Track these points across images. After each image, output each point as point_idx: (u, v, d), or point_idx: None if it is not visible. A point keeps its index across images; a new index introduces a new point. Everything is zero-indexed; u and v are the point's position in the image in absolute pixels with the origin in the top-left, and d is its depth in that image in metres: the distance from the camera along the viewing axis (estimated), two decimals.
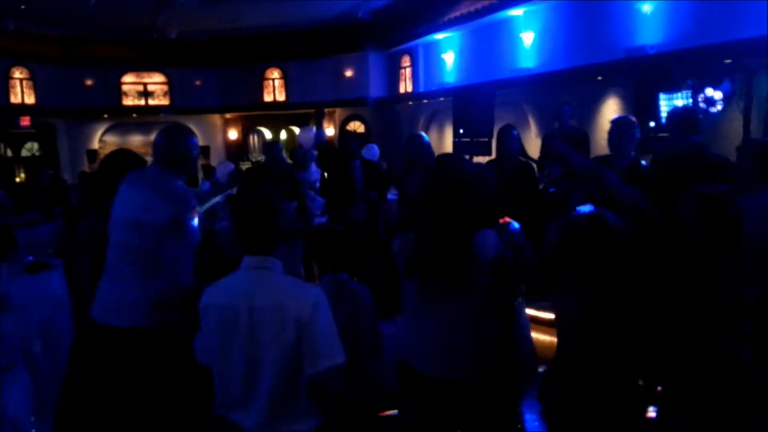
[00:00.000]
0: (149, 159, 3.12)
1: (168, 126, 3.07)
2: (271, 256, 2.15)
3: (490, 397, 2.34)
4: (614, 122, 3.69)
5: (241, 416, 2.11)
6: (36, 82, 13.80)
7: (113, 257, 2.81)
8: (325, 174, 5.84)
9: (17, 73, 13.55)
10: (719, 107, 5.04)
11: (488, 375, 2.32)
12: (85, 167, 14.08)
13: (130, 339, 2.70)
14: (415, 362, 2.36)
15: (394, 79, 13.73)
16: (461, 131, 7.90)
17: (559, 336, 2.35)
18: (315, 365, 2.05)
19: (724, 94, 5.04)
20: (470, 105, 7.88)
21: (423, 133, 5.15)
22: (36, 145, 14.74)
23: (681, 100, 5.59)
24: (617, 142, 3.63)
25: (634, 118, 3.76)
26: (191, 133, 2.97)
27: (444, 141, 11.39)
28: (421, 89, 12.56)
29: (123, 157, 3.77)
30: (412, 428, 2.50)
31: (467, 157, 7.57)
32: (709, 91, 5.07)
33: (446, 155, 2.69)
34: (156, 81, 15.31)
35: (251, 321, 2.05)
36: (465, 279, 2.25)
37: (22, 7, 11.10)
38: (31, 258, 4.82)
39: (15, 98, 13.49)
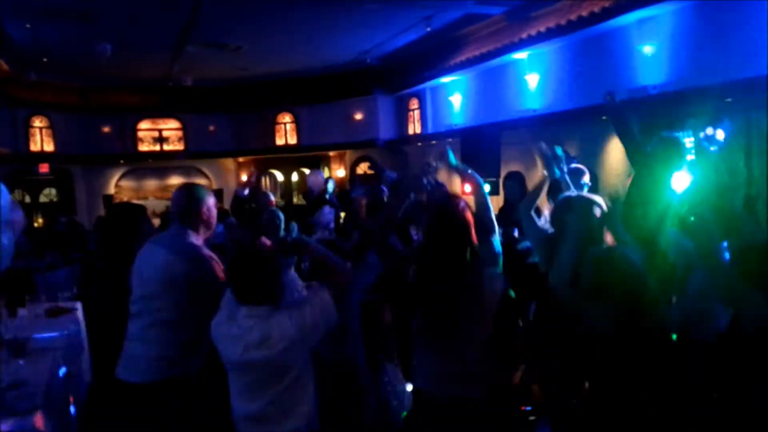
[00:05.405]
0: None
1: (185, 184, 3.18)
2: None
3: (499, 412, 2.45)
4: None
5: None
6: (55, 130, 14.15)
7: (133, 312, 2.90)
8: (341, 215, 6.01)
9: (37, 122, 13.93)
10: (720, 145, 5.12)
11: (497, 390, 2.43)
12: (102, 212, 14.34)
13: (149, 394, 2.76)
14: (424, 384, 2.49)
15: (402, 120, 13.98)
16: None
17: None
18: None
19: (724, 132, 5.12)
20: (477, 146, 8.08)
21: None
22: (54, 191, 15.09)
23: (686, 138, 5.69)
24: None
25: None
26: (204, 190, 3.02)
27: (453, 181, 11.53)
28: (430, 130, 12.77)
29: (125, 208, 3.99)
30: None
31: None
32: (710, 130, 5.15)
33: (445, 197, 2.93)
34: (171, 127, 15.68)
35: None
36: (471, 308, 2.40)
37: (45, 59, 11.58)
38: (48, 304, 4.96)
39: (35, 146, 13.85)
